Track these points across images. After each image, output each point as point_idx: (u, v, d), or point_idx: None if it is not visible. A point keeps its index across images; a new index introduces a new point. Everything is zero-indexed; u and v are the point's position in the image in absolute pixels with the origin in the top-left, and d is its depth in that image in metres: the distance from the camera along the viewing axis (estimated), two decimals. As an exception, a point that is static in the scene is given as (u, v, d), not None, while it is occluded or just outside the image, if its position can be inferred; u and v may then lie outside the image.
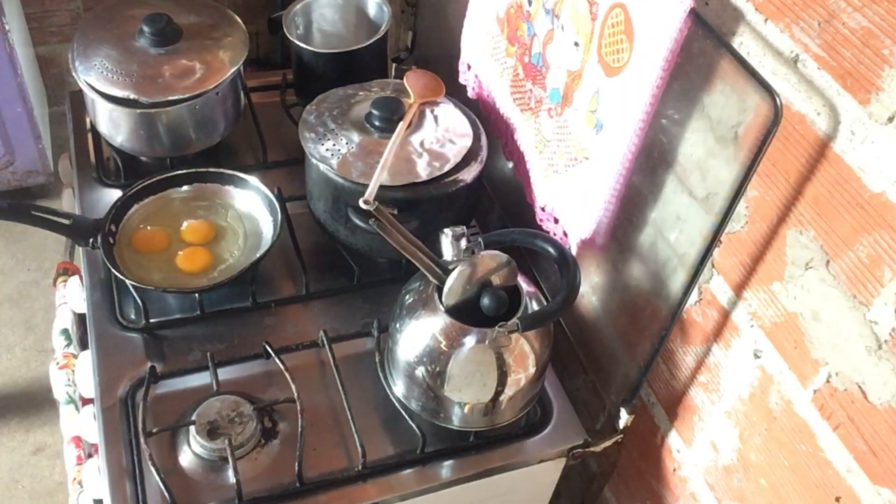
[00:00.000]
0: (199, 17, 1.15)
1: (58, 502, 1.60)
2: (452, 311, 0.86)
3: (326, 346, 0.99)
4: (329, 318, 1.05)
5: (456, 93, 1.15)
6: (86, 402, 0.99)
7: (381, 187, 0.92)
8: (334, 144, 0.99)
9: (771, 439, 0.78)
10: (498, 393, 0.87)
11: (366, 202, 0.86)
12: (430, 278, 0.87)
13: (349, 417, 0.92)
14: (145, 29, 1.10)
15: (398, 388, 0.93)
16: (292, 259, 1.09)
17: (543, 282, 1.10)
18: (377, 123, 1.01)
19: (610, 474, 1.08)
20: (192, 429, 0.90)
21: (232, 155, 1.24)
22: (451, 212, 1.01)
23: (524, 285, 0.89)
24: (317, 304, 1.06)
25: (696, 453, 0.90)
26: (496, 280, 0.87)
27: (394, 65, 1.39)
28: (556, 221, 0.98)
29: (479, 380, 0.86)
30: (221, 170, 1.12)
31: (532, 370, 0.88)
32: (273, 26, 1.26)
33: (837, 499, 0.71)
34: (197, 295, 1.01)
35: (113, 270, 0.98)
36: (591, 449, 0.97)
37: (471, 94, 1.17)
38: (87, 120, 1.22)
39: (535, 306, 0.88)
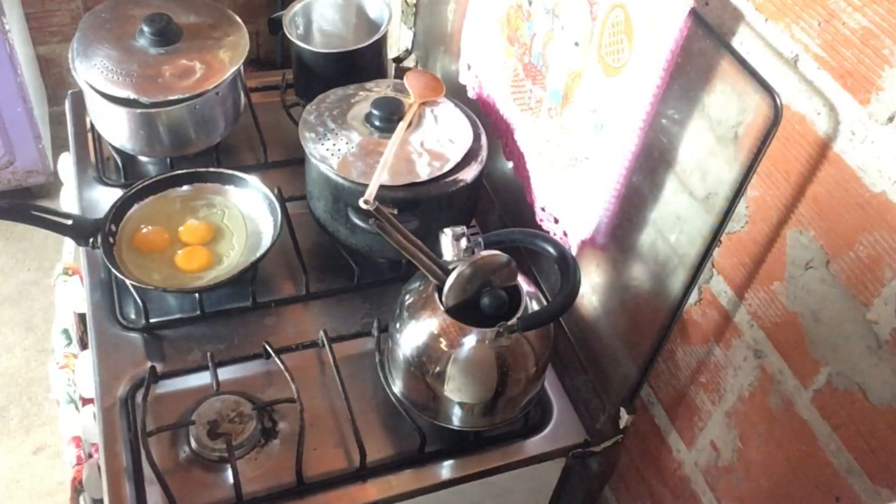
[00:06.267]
0: (199, 17, 1.15)
1: (58, 502, 1.60)
2: (452, 311, 0.86)
3: (326, 346, 0.99)
4: (329, 318, 1.05)
5: (456, 93, 1.15)
6: (86, 402, 0.99)
7: (381, 187, 0.92)
8: (334, 144, 0.99)
9: (771, 439, 0.78)
10: (498, 393, 0.87)
11: (366, 202, 0.86)
12: (430, 278, 0.87)
13: (349, 417, 0.92)
14: (145, 29, 1.10)
15: (398, 388, 0.93)
16: (292, 259, 1.09)
17: (543, 282, 1.10)
18: (377, 123, 1.01)
19: (610, 474, 1.08)
20: (192, 429, 0.90)
21: (232, 155, 1.24)
22: (451, 212, 1.01)
23: (524, 285, 0.89)
24: (317, 304, 1.06)
25: (697, 453, 0.90)
26: (496, 280, 0.87)
27: (394, 65, 1.39)
28: (557, 221, 0.98)
29: (479, 380, 0.86)
30: (221, 170, 1.12)
31: (532, 370, 0.88)
32: (273, 26, 1.26)
33: (837, 499, 0.71)
34: (197, 295, 1.01)
35: (113, 270, 0.98)
36: (591, 449, 0.97)
37: (471, 94, 1.17)
38: (87, 120, 1.22)
39: (535, 306, 0.88)
